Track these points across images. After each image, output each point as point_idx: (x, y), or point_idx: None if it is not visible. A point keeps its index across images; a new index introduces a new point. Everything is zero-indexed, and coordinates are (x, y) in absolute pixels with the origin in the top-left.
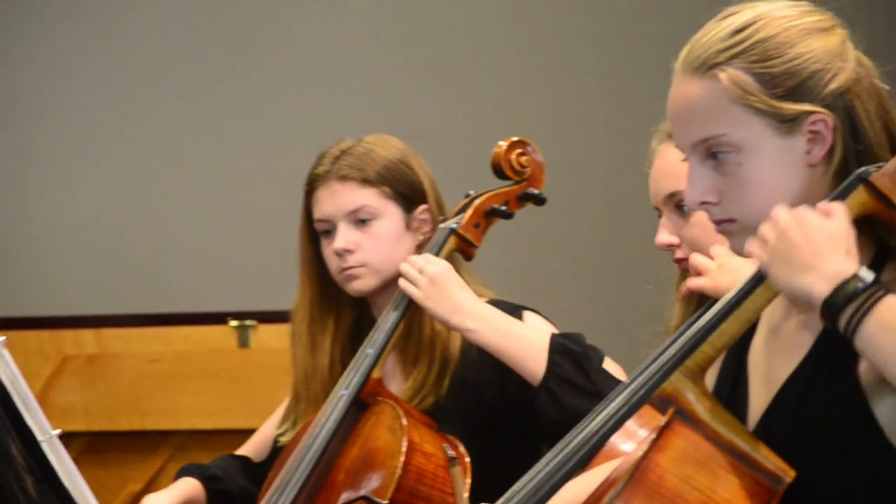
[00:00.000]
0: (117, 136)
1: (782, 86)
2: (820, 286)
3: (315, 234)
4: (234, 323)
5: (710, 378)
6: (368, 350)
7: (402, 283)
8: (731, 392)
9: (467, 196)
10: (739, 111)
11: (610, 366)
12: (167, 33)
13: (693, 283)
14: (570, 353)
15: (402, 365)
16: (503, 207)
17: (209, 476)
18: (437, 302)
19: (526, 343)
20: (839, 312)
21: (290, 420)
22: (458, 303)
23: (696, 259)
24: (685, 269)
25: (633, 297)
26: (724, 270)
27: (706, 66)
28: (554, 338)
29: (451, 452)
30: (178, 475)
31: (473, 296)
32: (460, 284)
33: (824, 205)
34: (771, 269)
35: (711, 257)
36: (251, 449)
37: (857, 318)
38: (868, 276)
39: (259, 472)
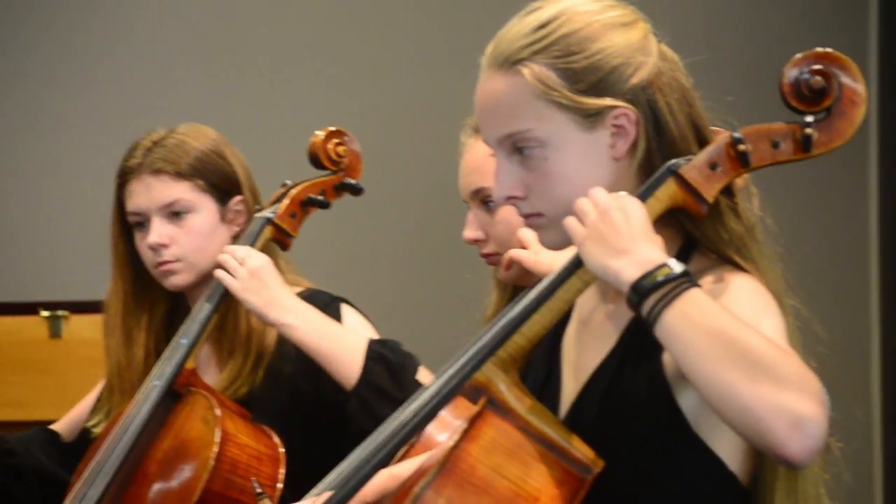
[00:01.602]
0: None
1: (585, 81)
2: (630, 270)
3: (128, 226)
4: (45, 313)
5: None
6: (182, 340)
7: (218, 273)
8: (545, 382)
9: (284, 185)
10: (543, 106)
11: (424, 376)
12: None
13: (516, 253)
14: (385, 361)
15: (218, 356)
16: (320, 197)
17: (3, 450)
18: (256, 294)
19: (342, 346)
20: (644, 298)
21: (102, 411)
22: (277, 297)
23: (522, 232)
24: (492, 263)
25: (452, 286)
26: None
27: (510, 62)
28: (371, 344)
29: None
30: None
31: (292, 293)
32: (280, 281)
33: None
34: (586, 245)
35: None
36: (64, 426)
37: (660, 306)
38: (678, 267)
39: (66, 450)
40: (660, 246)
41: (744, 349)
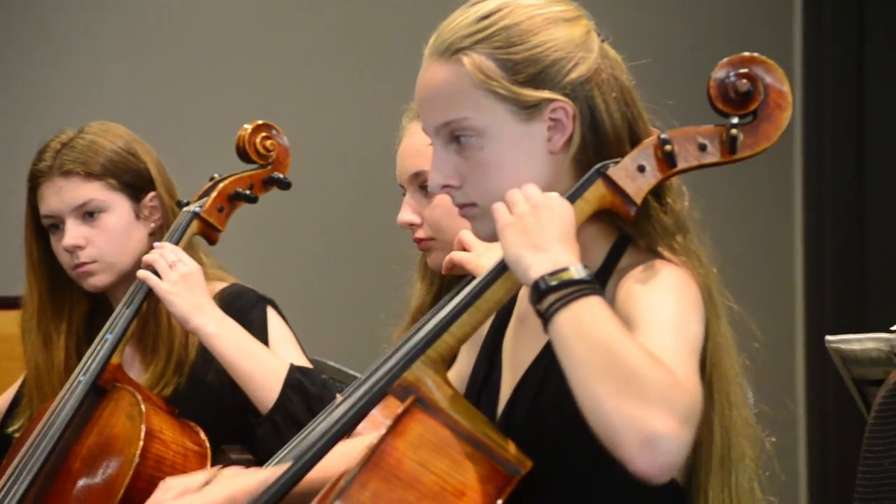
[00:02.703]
0: None
1: (524, 72)
2: (540, 266)
3: (42, 228)
4: None
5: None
6: (108, 335)
7: (143, 273)
8: (485, 380)
9: (211, 179)
10: (482, 96)
11: None
12: None
13: (458, 256)
14: (303, 391)
15: (142, 354)
16: (247, 191)
17: None
18: (182, 298)
19: (262, 367)
20: (545, 295)
21: (24, 416)
22: (203, 305)
23: (464, 234)
24: (424, 248)
25: (378, 278)
26: (489, 249)
27: (451, 51)
28: (291, 371)
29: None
30: None
31: (219, 309)
32: (206, 291)
33: None
34: (507, 232)
35: (452, 239)
36: None
37: (556, 306)
38: (582, 272)
39: None
40: (575, 253)
41: (619, 362)
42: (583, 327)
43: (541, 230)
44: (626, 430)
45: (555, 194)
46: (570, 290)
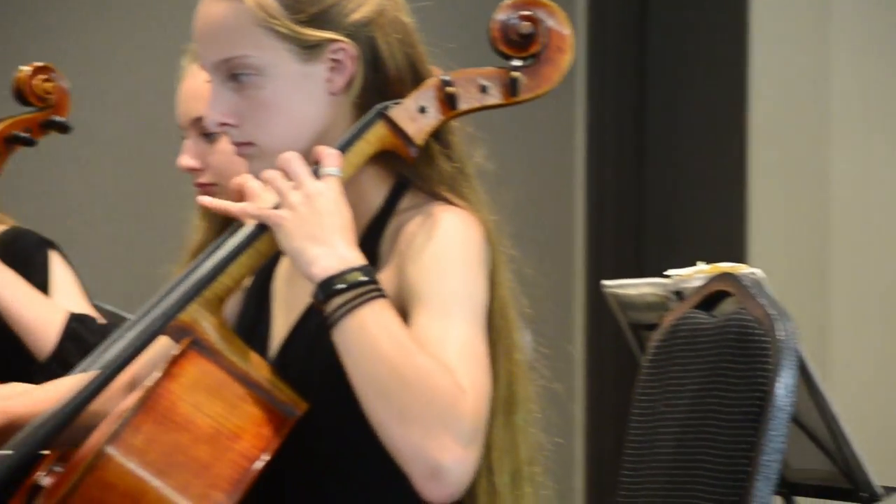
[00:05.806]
0: None
1: (305, 12)
2: (328, 262)
3: None
4: None
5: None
6: None
7: None
8: (256, 319)
9: None
10: (262, 34)
11: None
12: None
13: (235, 207)
14: (81, 341)
15: None
16: (25, 135)
17: None
18: None
19: (39, 315)
20: (334, 295)
21: None
22: None
23: (244, 181)
24: (207, 194)
25: (155, 217)
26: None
27: None
28: (70, 322)
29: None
30: None
31: None
32: None
33: None
34: (284, 224)
35: (234, 185)
36: None
37: (342, 310)
38: (368, 273)
39: None
40: (356, 247)
41: (402, 383)
42: (368, 337)
43: (320, 221)
44: (412, 461)
45: (333, 181)
46: (357, 292)
